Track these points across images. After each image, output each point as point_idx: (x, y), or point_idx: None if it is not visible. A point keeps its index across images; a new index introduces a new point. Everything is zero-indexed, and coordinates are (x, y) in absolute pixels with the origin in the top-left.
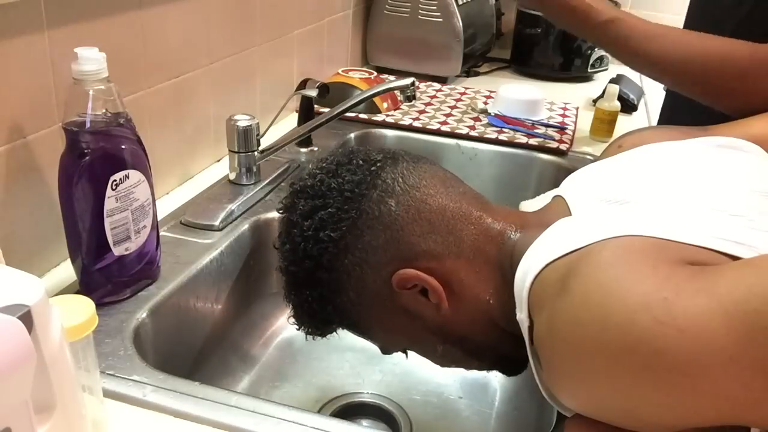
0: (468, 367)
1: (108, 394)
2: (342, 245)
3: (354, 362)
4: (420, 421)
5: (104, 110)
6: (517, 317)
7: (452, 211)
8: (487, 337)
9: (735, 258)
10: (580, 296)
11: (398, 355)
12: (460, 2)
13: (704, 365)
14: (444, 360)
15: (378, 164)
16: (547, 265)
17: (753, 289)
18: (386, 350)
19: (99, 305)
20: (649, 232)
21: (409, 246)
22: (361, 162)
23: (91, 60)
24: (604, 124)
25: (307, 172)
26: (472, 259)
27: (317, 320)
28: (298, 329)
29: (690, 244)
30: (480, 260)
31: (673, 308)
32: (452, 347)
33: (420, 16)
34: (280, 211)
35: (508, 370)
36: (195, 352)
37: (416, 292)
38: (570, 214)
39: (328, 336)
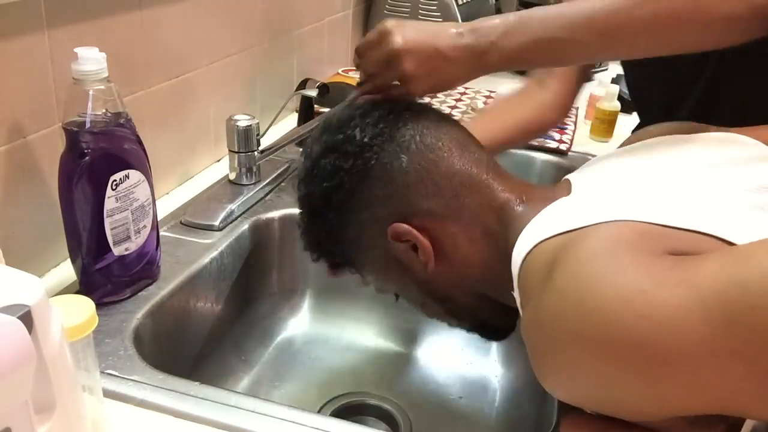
0: (450, 324)
1: (108, 394)
2: (349, 189)
3: (354, 362)
4: (420, 421)
5: (104, 110)
6: (515, 294)
7: (461, 177)
8: (470, 302)
9: (727, 242)
10: (562, 288)
11: (398, 356)
12: (460, 2)
13: (684, 357)
14: (427, 312)
15: (401, 119)
16: (538, 244)
17: (732, 279)
18: (379, 290)
19: (99, 305)
20: (640, 216)
21: (411, 203)
22: (386, 113)
23: (91, 60)
24: (604, 124)
25: (341, 109)
26: (471, 226)
27: (323, 251)
28: (312, 258)
29: (680, 228)
30: (478, 228)
31: (653, 301)
32: (434, 303)
33: (420, 16)
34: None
35: (487, 336)
36: (195, 352)
37: (408, 247)
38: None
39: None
